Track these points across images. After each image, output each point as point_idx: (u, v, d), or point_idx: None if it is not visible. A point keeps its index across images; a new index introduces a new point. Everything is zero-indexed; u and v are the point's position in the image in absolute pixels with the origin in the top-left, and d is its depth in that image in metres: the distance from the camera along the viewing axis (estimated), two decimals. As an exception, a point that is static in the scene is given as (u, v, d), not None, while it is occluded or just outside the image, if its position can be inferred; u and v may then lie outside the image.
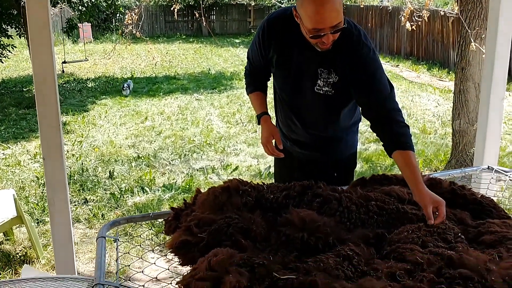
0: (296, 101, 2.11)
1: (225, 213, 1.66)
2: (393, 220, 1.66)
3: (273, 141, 2.13)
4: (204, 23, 10.80)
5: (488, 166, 2.33)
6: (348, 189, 1.81)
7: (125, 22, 9.19)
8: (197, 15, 11.63)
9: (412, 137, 1.86)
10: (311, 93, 2.00)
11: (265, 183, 1.88)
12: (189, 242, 1.59)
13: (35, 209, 4.20)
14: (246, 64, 2.28)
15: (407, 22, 6.64)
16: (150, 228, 3.53)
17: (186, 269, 1.51)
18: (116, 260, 1.58)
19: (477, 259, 1.30)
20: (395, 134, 1.84)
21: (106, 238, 1.72)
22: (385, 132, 1.89)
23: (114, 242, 1.73)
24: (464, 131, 5.46)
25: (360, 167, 5.80)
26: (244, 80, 2.31)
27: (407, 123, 1.89)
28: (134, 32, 8.58)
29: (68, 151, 6.32)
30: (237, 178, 1.86)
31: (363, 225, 1.65)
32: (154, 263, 1.57)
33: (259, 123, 2.17)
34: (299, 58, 1.98)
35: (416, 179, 1.72)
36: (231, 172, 5.38)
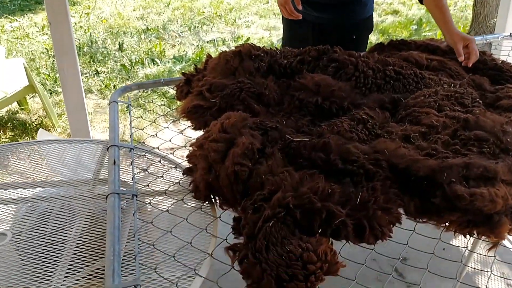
0: None
1: (237, 78, 1.63)
2: (410, 85, 1.62)
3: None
4: None
5: (510, 33, 2.22)
6: (365, 54, 1.75)
7: None
8: None
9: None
10: None
11: (278, 48, 1.80)
12: (201, 106, 1.58)
13: (47, 80, 4.19)
14: None
15: None
16: (162, 99, 3.54)
17: (199, 134, 1.52)
18: (130, 124, 1.58)
19: (494, 121, 1.28)
20: None
21: (119, 103, 1.71)
22: None
23: (127, 108, 1.73)
24: (485, 1, 5.18)
25: (376, 39, 5.62)
26: None
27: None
28: None
29: (75, 23, 6.17)
30: (249, 43, 1.79)
31: (379, 90, 1.61)
32: (167, 127, 1.56)
33: None
34: None
35: (446, 18, 1.79)
36: (245, 42, 5.26)
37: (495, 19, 5.20)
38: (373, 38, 5.59)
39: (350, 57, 1.67)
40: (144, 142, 1.60)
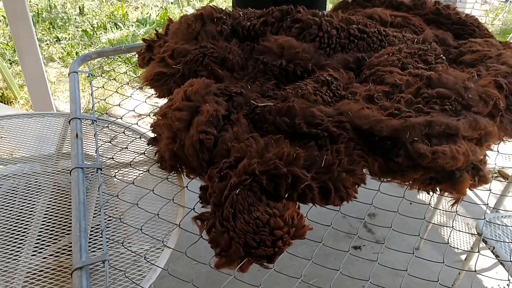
0: None
1: (199, 43, 1.59)
2: (374, 43, 1.61)
3: None
4: None
5: (476, -15, 2.22)
6: (329, 13, 1.72)
7: None
8: None
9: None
10: None
11: (241, 9, 1.76)
12: (164, 73, 1.54)
13: (5, 49, 4.03)
14: None
15: None
16: (127, 64, 3.45)
17: (163, 102, 1.49)
18: (91, 94, 1.54)
19: (456, 78, 1.29)
20: None
21: (79, 73, 1.66)
22: None
23: (88, 77, 1.68)
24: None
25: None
26: None
27: None
28: None
29: (32, -13, 5.90)
30: (211, 5, 1.75)
31: (343, 50, 1.60)
32: (131, 96, 1.53)
33: None
34: None
35: None
36: (208, 3, 5.13)
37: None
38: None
39: (314, 16, 1.65)
40: (108, 114, 1.57)
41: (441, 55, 1.52)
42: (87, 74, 1.67)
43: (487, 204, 1.19)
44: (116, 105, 1.52)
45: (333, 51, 1.59)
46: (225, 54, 1.53)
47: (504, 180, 2.71)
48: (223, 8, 1.75)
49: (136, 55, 1.73)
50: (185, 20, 1.65)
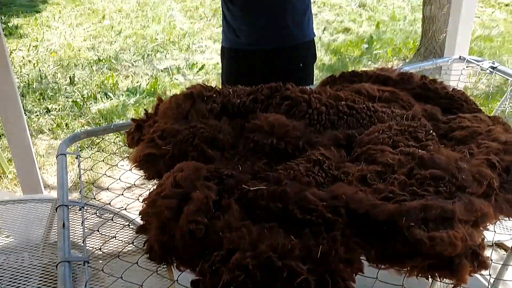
0: None
1: (190, 122, 1.59)
2: (364, 119, 1.62)
3: None
4: None
5: (460, 56, 2.27)
6: (317, 89, 1.74)
7: None
8: None
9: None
10: None
11: (231, 87, 1.78)
12: (154, 155, 1.53)
13: (-6, 121, 4.02)
14: None
15: None
16: (117, 136, 3.45)
17: (153, 183, 1.46)
18: (79, 178, 1.51)
19: (448, 158, 1.28)
20: None
21: (67, 155, 1.64)
22: None
23: (76, 159, 1.65)
24: (434, 17, 5.36)
25: (328, 59, 5.70)
26: None
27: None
28: None
29: (24, 57, 6.00)
30: (200, 83, 1.76)
31: (333, 126, 1.60)
32: (119, 179, 1.50)
33: None
34: None
35: None
36: (198, 71, 5.23)
37: (444, 34, 5.37)
38: (326, 59, 5.68)
39: (303, 94, 1.66)
40: (95, 198, 1.53)
41: (431, 132, 1.52)
42: (76, 156, 1.65)
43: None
44: (105, 190, 1.49)
45: (323, 128, 1.60)
46: (215, 134, 1.53)
47: (504, 252, 2.66)
48: (213, 86, 1.76)
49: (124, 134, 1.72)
50: (175, 100, 1.66)
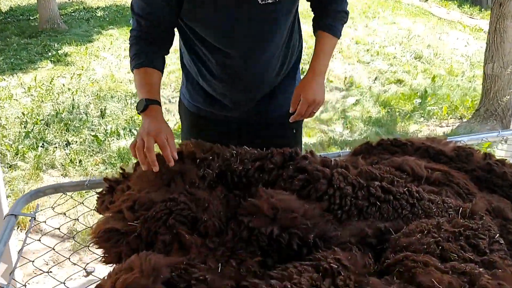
0: (234, 33, 1.56)
1: (172, 192, 1.22)
2: (403, 209, 1.19)
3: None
4: None
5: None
6: (344, 161, 1.33)
7: None
8: None
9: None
10: (253, 7, 1.49)
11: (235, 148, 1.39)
12: (117, 231, 1.16)
13: (8, 150, 3.80)
14: (132, 26, 1.58)
15: None
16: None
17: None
18: (18, 252, 1.16)
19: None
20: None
21: (20, 216, 1.30)
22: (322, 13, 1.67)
23: (30, 221, 1.31)
24: (497, 76, 4.85)
25: (376, 112, 5.27)
26: (129, 51, 1.55)
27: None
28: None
29: (64, 85, 5.91)
30: (196, 140, 1.40)
31: (361, 215, 1.19)
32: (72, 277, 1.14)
33: (143, 111, 1.43)
34: None
35: (315, 56, 1.60)
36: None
37: (508, 96, 4.84)
38: (374, 111, 5.24)
39: (324, 167, 1.26)
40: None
41: (497, 237, 1.08)
42: (30, 219, 1.31)
43: None
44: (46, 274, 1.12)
45: (347, 216, 1.18)
46: (198, 213, 1.14)
47: None
48: (212, 145, 1.39)
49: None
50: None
